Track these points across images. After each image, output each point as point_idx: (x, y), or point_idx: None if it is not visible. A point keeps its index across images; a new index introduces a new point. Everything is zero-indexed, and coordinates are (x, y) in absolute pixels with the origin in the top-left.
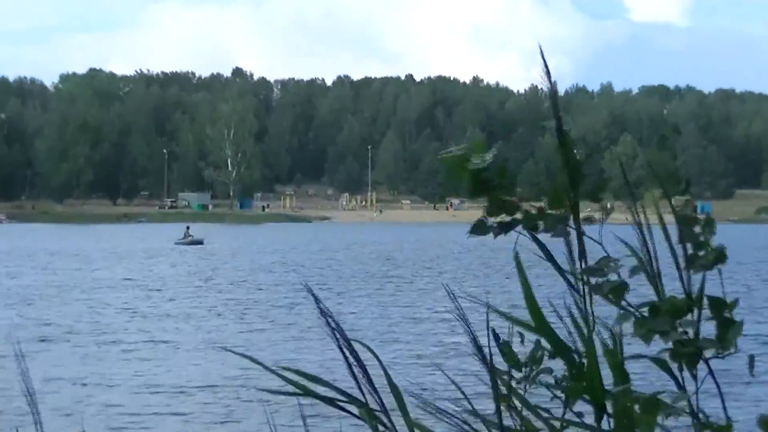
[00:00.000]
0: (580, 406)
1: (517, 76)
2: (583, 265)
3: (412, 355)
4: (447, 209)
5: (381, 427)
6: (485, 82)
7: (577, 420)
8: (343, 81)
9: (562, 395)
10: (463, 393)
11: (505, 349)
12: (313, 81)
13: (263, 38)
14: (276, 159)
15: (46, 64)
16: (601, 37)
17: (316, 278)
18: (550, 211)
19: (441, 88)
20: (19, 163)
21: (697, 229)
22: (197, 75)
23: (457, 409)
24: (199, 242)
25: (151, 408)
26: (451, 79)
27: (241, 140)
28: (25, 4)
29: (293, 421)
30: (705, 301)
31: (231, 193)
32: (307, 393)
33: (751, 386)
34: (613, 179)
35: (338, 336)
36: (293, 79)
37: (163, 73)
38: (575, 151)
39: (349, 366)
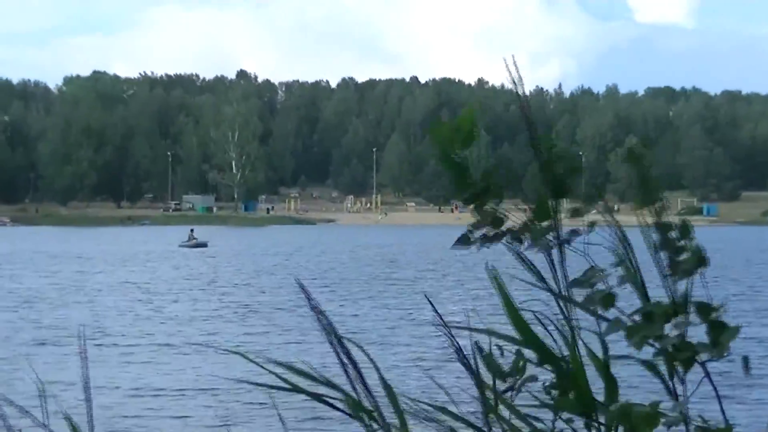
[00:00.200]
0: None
1: (522, 78)
2: (563, 277)
3: (414, 357)
4: (452, 212)
5: (374, 425)
6: (490, 84)
7: (567, 427)
8: (347, 83)
9: (551, 402)
10: (451, 399)
11: (489, 360)
12: (317, 83)
13: (267, 40)
14: (280, 161)
15: (50, 67)
16: (607, 39)
17: (319, 281)
18: (536, 224)
19: (446, 90)
20: (23, 166)
21: (675, 234)
22: (201, 77)
23: (446, 413)
24: (203, 245)
25: (150, 410)
26: (456, 80)
27: (245, 143)
28: (29, 7)
29: (296, 425)
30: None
31: (235, 196)
32: (296, 389)
33: (753, 389)
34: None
35: (329, 332)
36: (298, 81)
37: (166, 75)
38: (579, 154)
39: (342, 362)
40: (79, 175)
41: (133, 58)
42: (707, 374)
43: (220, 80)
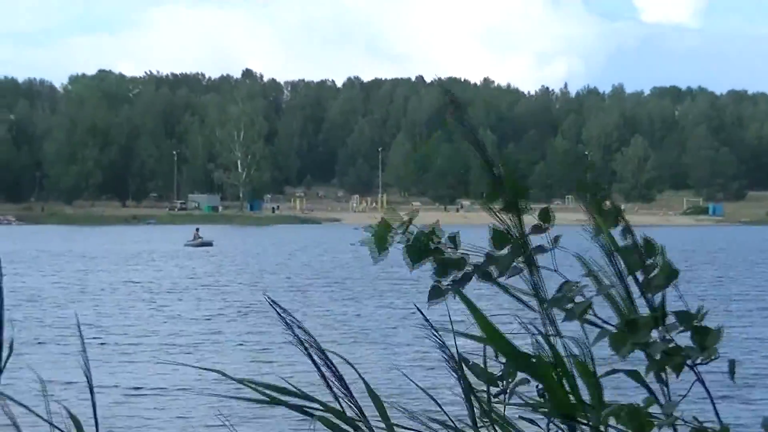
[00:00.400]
0: None
1: (528, 78)
2: (539, 297)
3: (416, 357)
4: (457, 211)
5: None
6: (496, 84)
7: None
8: (353, 82)
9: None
10: (439, 405)
11: (477, 369)
12: (323, 82)
13: (273, 40)
14: (286, 161)
15: (55, 66)
16: (613, 39)
17: (322, 280)
18: (498, 254)
19: (451, 90)
20: (28, 165)
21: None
22: (207, 76)
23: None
24: (209, 244)
25: (150, 410)
26: (462, 80)
27: (250, 142)
28: (34, 6)
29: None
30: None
31: (241, 195)
32: (275, 401)
33: (748, 390)
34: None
35: (308, 346)
36: (303, 80)
37: (172, 74)
38: (586, 153)
39: (322, 375)
40: (85, 174)
41: (138, 57)
42: (699, 377)
43: (225, 79)
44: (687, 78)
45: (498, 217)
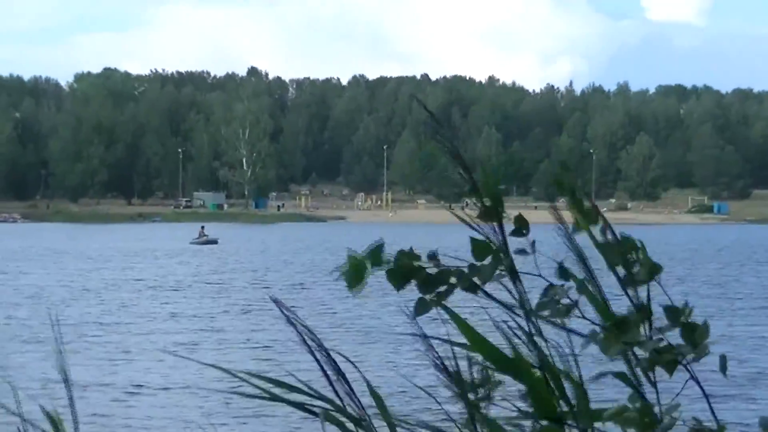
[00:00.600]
0: None
1: (533, 76)
2: (523, 302)
3: (420, 355)
4: (462, 209)
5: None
6: (501, 82)
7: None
8: (358, 80)
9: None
10: (439, 404)
11: (458, 378)
12: (328, 80)
13: (278, 38)
14: (291, 159)
15: (61, 65)
16: (618, 37)
17: (328, 277)
18: (481, 264)
19: (457, 88)
20: (34, 163)
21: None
22: (212, 75)
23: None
24: (214, 242)
25: (149, 408)
26: (467, 78)
27: (256, 140)
28: (40, 5)
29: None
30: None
31: (246, 193)
32: (275, 398)
33: (753, 388)
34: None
35: (312, 344)
36: (308, 78)
37: (177, 72)
38: (591, 152)
39: (325, 373)
40: (90, 172)
41: (143, 55)
42: (693, 376)
43: (230, 77)
44: (692, 76)
45: (477, 228)
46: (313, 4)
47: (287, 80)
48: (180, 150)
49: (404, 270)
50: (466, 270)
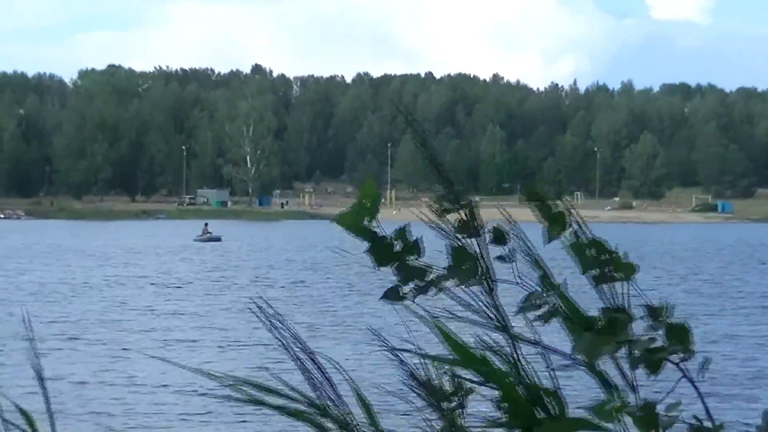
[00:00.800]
0: None
1: (537, 74)
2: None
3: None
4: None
5: None
6: (505, 80)
7: None
8: (362, 78)
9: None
10: (417, 410)
11: (431, 388)
12: (332, 78)
13: (282, 35)
14: (295, 156)
15: (65, 62)
16: (622, 35)
17: (328, 275)
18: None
19: (461, 86)
20: (38, 160)
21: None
22: (216, 72)
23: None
24: (217, 239)
25: (147, 406)
26: (471, 76)
27: (260, 137)
28: (44, 2)
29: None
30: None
31: (250, 191)
32: (258, 403)
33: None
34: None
35: (293, 347)
36: (312, 76)
37: (181, 69)
38: (595, 150)
39: (308, 376)
40: (94, 169)
41: (148, 52)
42: (687, 375)
43: (235, 75)
44: (696, 75)
45: (457, 237)
46: (318, 2)
47: (291, 78)
48: (184, 147)
49: (386, 249)
50: (444, 271)
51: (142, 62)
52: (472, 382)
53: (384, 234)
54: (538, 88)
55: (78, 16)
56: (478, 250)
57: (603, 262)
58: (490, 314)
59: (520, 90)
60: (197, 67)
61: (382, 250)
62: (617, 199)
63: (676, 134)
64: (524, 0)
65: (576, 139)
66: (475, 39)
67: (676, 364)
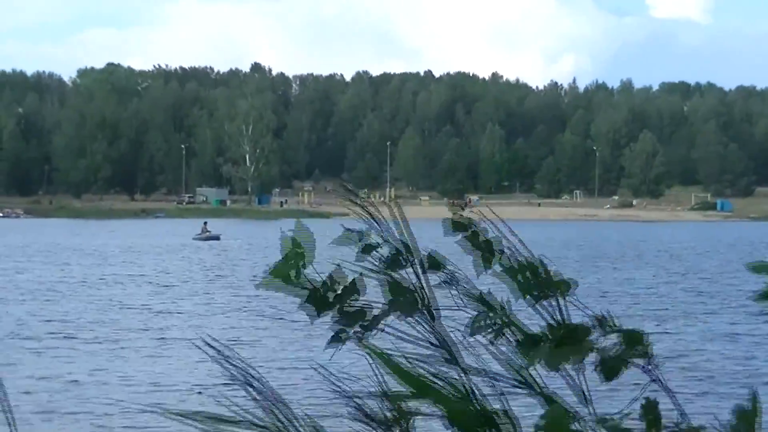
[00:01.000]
0: None
1: (537, 73)
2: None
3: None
4: (463, 207)
5: None
6: (504, 79)
7: None
8: (362, 77)
9: None
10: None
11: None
12: (331, 77)
13: (282, 34)
14: (294, 155)
15: (64, 60)
16: (622, 34)
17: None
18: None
19: (460, 84)
20: (37, 159)
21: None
22: (215, 70)
23: None
24: (216, 238)
25: (145, 405)
26: (471, 75)
27: (259, 136)
28: (43, 0)
29: None
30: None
31: (249, 189)
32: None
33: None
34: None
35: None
36: (312, 74)
37: (181, 68)
38: (594, 149)
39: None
40: (93, 167)
41: (147, 51)
42: (659, 379)
43: (234, 73)
44: (695, 74)
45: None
46: (318, 1)
47: (291, 76)
48: (183, 146)
49: (322, 299)
50: (384, 307)
51: (141, 61)
52: (420, 411)
53: (319, 280)
54: (537, 87)
55: (77, 15)
56: (415, 280)
57: (538, 284)
58: (434, 343)
59: (520, 89)
60: (197, 66)
61: (319, 300)
62: (617, 197)
63: (675, 133)
64: None
65: (575, 138)
66: (476, 38)
67: (643, 368)
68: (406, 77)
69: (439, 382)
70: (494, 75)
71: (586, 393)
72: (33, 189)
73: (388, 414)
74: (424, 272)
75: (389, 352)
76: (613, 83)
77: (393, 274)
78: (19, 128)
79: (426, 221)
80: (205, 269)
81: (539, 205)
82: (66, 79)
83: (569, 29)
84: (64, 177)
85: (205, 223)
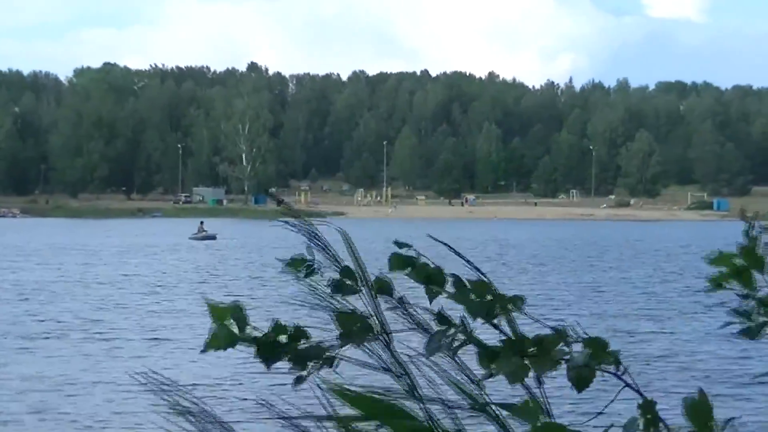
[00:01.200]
0: None
1: (534, 72)
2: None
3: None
4: (462, 205)
5: None
6: (501, 78)
7: None
8: (358, 76)
9: None
10: None
11: None
12: (328, 76)
13: (279, 33)
14: (291, 154)
15: (60, 60)
16: (619, 33)
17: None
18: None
19: (457, 84)
20: (33, 158)
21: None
22: (212, 70)
23: None
24: (212, 237)
25: (140, 406)
26: (467, 74)
27: (255, 135)
28: (41, 0)
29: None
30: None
31: (245, 189)
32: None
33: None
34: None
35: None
36: (308, 74)
37: (177, 67)
38: (591, 148)
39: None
40: (90, 167)
41: (143, 50)
42: (633, 384)
43: (231, 73)
44: (691, 73)
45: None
46: (316, 1)
47: (287, 76)
48: (180, 145)
49: (272, 347)
50: (336, 342)
51: (138, 60)
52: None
53: (262, 332)
54: (534, 86)
55: (74, 15)
56: (366, 306)
57: (488, 303)
58: (391, 369)
59: (516, 88)
60: (193, 65)
61: (269, 350)
62: (613, 197)
63: (672, 132)
64: None
65: (572, 137)
66: (473, 37)
67: (615, 374)
68: (402, 76)
69: (394, 406)
70: (491, 74)
71: (548, 407)
72: (30, 188)
73: None
74: (373, 298)
75: (343, 383)
76: (610, 82)
77: (340, 301)
78: (16, 128)
79: (422, 221)
80: (201, 269)
81: (536, 204)
82: (62, 78)
83: (567, 29)
84: (61, 176)
85: (202, 222)
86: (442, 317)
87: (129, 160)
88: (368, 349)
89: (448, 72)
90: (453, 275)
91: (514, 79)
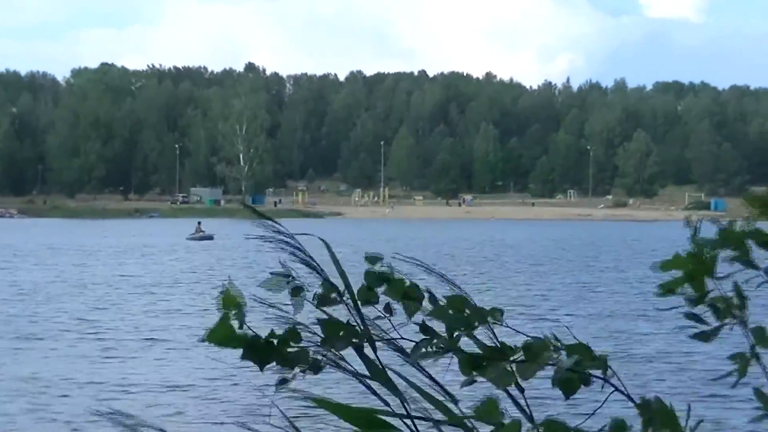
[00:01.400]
0: None
1: (531, 72)
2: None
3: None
4: (459, 205)
5: None
6: (498, 78)
7: None
8: (356, 77)
9: None
10: None
11: None
12: (325, 76)
13: (276, 33)
14: (288, 154)
15: (58, 60)
16: (616, 34)
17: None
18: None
19: (454, 84)
20: (31, 158)
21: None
22: (209, 70)
23: None
24: (210, 237)
25: (140, 406)
26: (465, 74)
27: (253, 135)
28: (37, 0)
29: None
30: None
31: (243, 189)
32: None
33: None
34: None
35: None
36: (306, 74)
37: (175, 68)
38: (588, 148)
39: None
40: (87, 167)
41: (141, 51)
42: (622, 388)
43: (228, 73)
44: (689, 73)
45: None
46: (314, 1)
47: (285, 76)
48: (177, 145)
49: (262, 351)
50: (320, 346)
51: (135, 61)
52: None
53: (257, 335)
54: (531, 87)
55: (71, 15)
56: (352, 316)
57: (468, 318)
58: (374, 377)
59: (514, 88)
60: (190, 66)
61: (261, 351)
62: (610, 197)
63: (669, 132)
64: None
65: (569, 137)
66: (470, 38)
67: (603, 378)
68: (399, 77)
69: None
70: (488, 74)
71: (528, 410)
72: (27, 189)
73: None
74: (357, 309)
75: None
76: (607, 83)
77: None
78: (13, 128)
79: (420, 221)
80: (198, 269)
81: (533, 204)
82: (60, 78)
83: (565, 29)
84: (58, 177)
85: (199, 222)
86: (425, 327)
87: (126, 161)
88: (350, 355)
89: (445, 72)
90: (428, 291)
91: (511, 80)
